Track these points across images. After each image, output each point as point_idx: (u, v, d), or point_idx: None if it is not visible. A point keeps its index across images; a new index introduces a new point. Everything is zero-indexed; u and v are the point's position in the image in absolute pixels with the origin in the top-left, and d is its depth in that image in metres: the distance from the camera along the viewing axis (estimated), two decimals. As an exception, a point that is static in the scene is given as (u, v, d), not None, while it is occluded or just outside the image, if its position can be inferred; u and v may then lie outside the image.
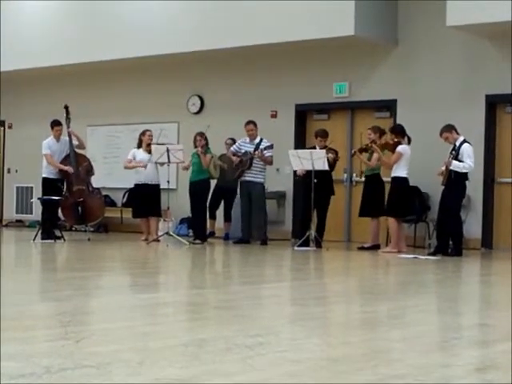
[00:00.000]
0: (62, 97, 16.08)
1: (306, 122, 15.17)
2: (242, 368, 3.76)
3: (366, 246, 12.80)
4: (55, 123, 13.67)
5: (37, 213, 16.19)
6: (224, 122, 15.29)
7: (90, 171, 14.08)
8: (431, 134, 12.38)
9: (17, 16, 17.27)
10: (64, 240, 13.04)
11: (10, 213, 18.89)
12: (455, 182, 11.39)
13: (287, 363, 3.91)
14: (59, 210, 13.85)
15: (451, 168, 11.32)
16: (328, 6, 13.31)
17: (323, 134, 13.12)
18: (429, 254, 11.52)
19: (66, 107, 14.03)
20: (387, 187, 12.45)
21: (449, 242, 11.61)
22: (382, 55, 14.15)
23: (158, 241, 13.33)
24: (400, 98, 13.92)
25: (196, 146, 13.55)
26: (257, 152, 13.21)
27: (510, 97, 12.85)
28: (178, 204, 15.04)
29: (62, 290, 6.97)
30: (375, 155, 12.42)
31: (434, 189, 12.56)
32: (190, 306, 6.44)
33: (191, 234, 14.37)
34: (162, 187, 13.63)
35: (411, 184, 12.44)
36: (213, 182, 14.00)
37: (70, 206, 13.76)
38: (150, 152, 13.50)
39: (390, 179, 12.30)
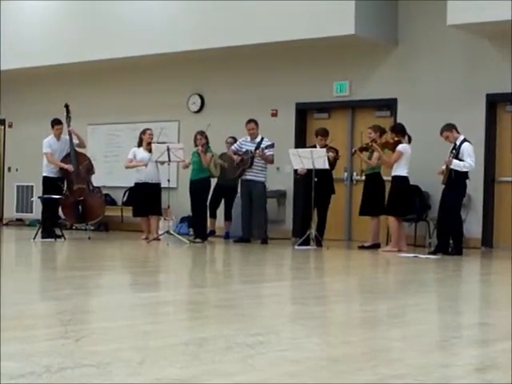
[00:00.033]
0: (63, 96, 16.08)
1: (307, 121, 15.17)
2: (242, 368, 3.75)
3: (366, 244, 12.80)
4: (56, 122, 13.67)
5: (37, 211, 16.20)
6: (224, 121, 15.29)
7: (90, 170, 14.08)
8: (431, 133, 12.38)
9: (17, 16, 17.27)
10: (64, 239, 13.04)
11: (11, 211, 18.90)
12: (455, 181, 11.39)
13: (287, 363, 3.91)
14: (59, 209, 13.85)
15: (451, 167, 11.32)
16: (328, 5, 13.31)
17: (324, 133, 13.12)
18: (429, 253, 11.53)
19: (67, 106, 14.03)
20: (387, 186, 12.45)
21: (449, 241, 11.62)
22: (382, 54, 14.16)
23: (159, 239, 13.33)
24: (400, 97, 13.93)
25: (196, 145, 13.55)
26: (258, 151, 13.21)
27: (510, 96, 12.86)
28: (179, 203, 15.05)
29: (62, 289, 6.97)
30: (376, 154, 12.42)
31: (435, 188, 12.56)
32: (191, 304, 6.43)
33: (192, 232, 14.37)
34: (162, 186, 13.63)
35: (412, 183, 12.44)
36: (213, 181, 14.01)
37: (70, 205, 13.76)
38: (150, 151, 13.50)
39: (390, 178, 12.30)
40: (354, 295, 7.44)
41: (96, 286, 7.73)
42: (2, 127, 19.31)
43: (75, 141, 13.78)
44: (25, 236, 14.31)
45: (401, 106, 13.89)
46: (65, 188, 13.77)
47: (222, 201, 14.65)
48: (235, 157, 13.41)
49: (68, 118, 13.89)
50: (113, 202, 16.92)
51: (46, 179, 13.58)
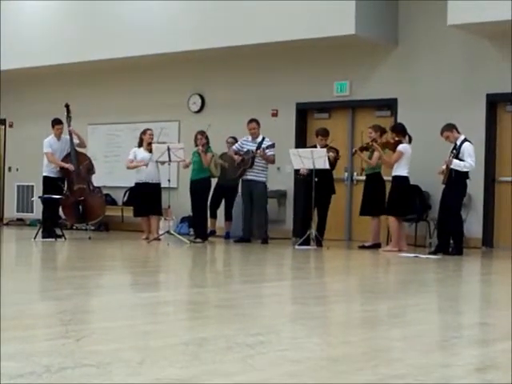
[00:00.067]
0: (63, 96, 16.08)
1: (307, 121, 15.17)
2: (242, 368, 3.75)
3: (366, 244, 12.81)
4: (56, 122, 13.67)
5: (37, 211, 16.20)
6: (225, 121, 15.29)
7: (90, 170, 14.08)
8: (432, 133, 12.38)
9: (17, 16, 17.27)
10: (65, 239, 13.04)
11: (11, 211, 18.91)
12: (456, 181, 11.39)
13: (287, 363, 3.91)
14: (60, 209, 13.85)
15: (452, 167, 11.33)
16: (328, 5, 13.32)
17: (324, 133, 13.13)
18: (429, 253, 11.53)
19: (67, 106, 14.03)
20: (388, 186, 12.45)
21: (449, 240, 11.61)
22: (382, 54, 14.16)
23: (159, 239, 13.34)
24: (401, 97, 13.93)
25: (197, 145, 13.55)
26: (259, 151, 13.21)
27: (510, 96, 12.86)
28: (179, 203, 15.05)
29: (63, 289, 6.97)
30: (376, 154, 12.42)
31: (435, 188, 12.56)
32: (191, 304, 6.43)
33: (192, 232, 14.37)
34: (162, 186, 13.63)
35: (412, 183, 12.44)
36: (213, 181, 14.01)
37: (70, 205, 13.76)
38: (150, 151, 13.50)
39: (390, 178, 12.30)
40: (355, 295, 7.44)
41: (96, 285, 7.73)
42: (3, 127, 19.32)
43: (75, 141, 13.78)
44: (25, 236, 14.31)
45: (401, 105, 13.89)
46: (65, 188, 13.77)
47: (223, 201, 14.65)
48: (236, 157, 13.41)
49: (68, 117, 13.90)
50: (113, 202, 16.92)
51: (46, 179, 13.58)
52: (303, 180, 13.06)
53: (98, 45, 16.06)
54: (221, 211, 14.64)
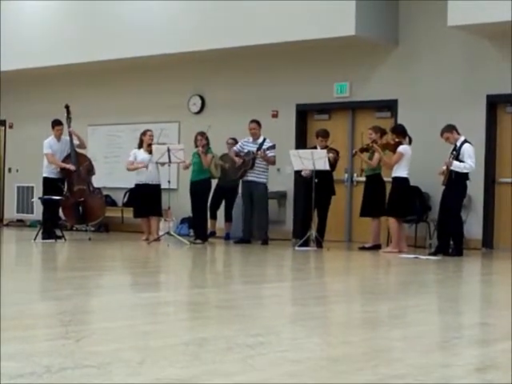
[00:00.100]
0: (63, 96, 16.08)
1: (307, 122, 15.16)
2: (242, 368, 3.76)
3: (366, 246, 12.80)
4: (56, 123, 13.67)
5: (38, 212, 16.20)
6: (225, 122, 15.29)
7: (90, 171, 14.08)
8: (432, 134, 12.38)
9: (17, 16, 17.27)
10: (65, 240, 13.04)
11: (11, 212, 18.90)
12: (456, 182, 11.39)
13: (287, 363, 3.91)
14: (60, 210, 13.85)
15: (452, 168, 11.32)
16: (328, 5, 13.31)
17: (324, 134, 13.12)
18: (429, 254, 11.52)
19: (67, 107, 14.03)
20: (388, 187, 12.45)
21: (449, 241, 11.61)
22: (382, 55, 14.15)
23: (159, 240, 13.33)
24: (401, 98, 13.92)
25: (197, 146, 13.55)
26: (259, 152, 13.21)
27: (510, 97, 12.85)
28: (179, 204, 15.04)
29: (63, 289, 6.98)
30: (377, 155, 12.42)
31: (435, 189, 12.56)
32: (191, 305, 6.44)
33: (192, 233, 14.36)
34: (162, 187, 13.62)
35: (412, 184, 12.44)
36: (214, 182, 14.01)
37: (70, 206, 13.76)
38: (150, 152, 13.50)
39: (390, 179, 12.30)
40: (355, 296, 7.44)
41: (96, 286, 7.73)
42: (3, 128, 19.31)
43: (75, 142, 13.78)
44: (25, 237, 14.30)
45: (401, 106, 13.88)
46: (65, 189, 13.77)
47: (223, 202, 14.64)
48: (237, 159, 13.40)
49: (68, 118, 13.90)
50: (113, 203, 16.91)
51: (46, 180, 13.58)
52: (303, 181, 13.06)
53: (97, 45, 16.06)
54: (221, 212, 14.64)
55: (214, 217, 14.52)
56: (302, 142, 14.84)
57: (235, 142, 14.21)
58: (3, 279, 7.39)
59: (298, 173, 13.34)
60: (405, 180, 12.14)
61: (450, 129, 11.60)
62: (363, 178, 13.21)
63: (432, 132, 12.41)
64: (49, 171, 13.56)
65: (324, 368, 3.84)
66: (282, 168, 14.57)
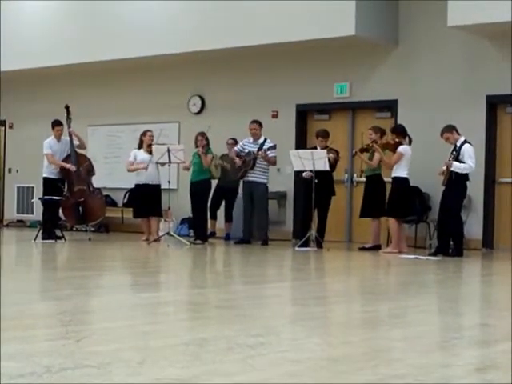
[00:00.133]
0: (63, 97, 16.08)
1: (307, 122, 15.16)
2: (242, 368, 3.75)
3: (366, 246, 12.80)
4: (56, 123, 13.67)
5: (38, 213, 16.19)
6: (225, 122, 15.29)
7: (90, 171, 14.08)
8: (432, 135, 12.38)
9: (17, 16, 17.27)
10: (65, 240, 13.04)
11: (11, 213, 18.90)
12: (456, 183, 11.39)
13: (287, 363, 3.91)
14: (60, 210, 13.85)
15: (452, 169, 11.32)
16: (328, 5, 13.31)
17: (324, 134, 13.12)
18: (429, 255, 11.52)
19: (67, 107, 14.03)
20: (388, 187, 12.44)
21: (449, 242, 11.61)
22: (382, 55, 14.15)
23: (159, 241, 13.33)
24: (401, 98, 13.92)
25: (197, 146, 13.55)
26: (260, 152, 13.21)
27: (510, 97, 12.85)
28: (179, 204, 15.04)
29: (63, 289, 6.98)
30: (377, 155, 12.42)
31: (435, 189, 12.56)
32: (191, 305, 6.44)
33: (192, 234, 14.36)
34: (162, 187, 13.62)
35: (412, 184, 12.44)
36: (214, 183, 14.01)
37: (70, 206, 13.76)
38: (150, 152, 13.50)
39: (390, 179, 12.30)
40: (355, 296, 7.44)
41: (96, 286, 7.73)
42: (3, 128, 19.31)
43: (75, 142, 13.78)
44: (25, 237, 14.30)
45: (401, 106, 13.88)
46: (65, 189, 13.77)
47: (223, 202, 14.64)
48: (237, 160, 13.39)
49: (68, 119, 13.90)
50: (113, 204, 16.91)
51: (46, 180, 13.58)
52: (303, 181, 13.06)
53: (98, 45, 16.06)
54: (221, 212, 14.64)
55: (214, 217, 14.53)
56: (302, 143, 14.84)
57: (235, 142, 14.21)
58: (3, 279, 7.39)
59: (298, 173, 13.33)
60: (405, 180, 12.14)
61: (450, 129, 11.60)
62: (363, 179, 13.21)
63: (432, 132, 12.41)
64: (49, 171, 13.56)
65: (324, 368, 3.84)
66: (282, 168, 14.57)
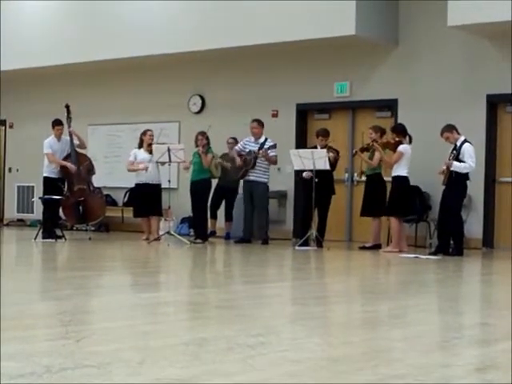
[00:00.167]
0: (63, 96, 16.07)
1: (307, 122, 15.17)
2: (242, 368, 3.75)
3: (367, 245, 12.80)
4: (56, 122, 13.67)
5: (38, 212, 16.20)
6: (225, 122, 15.30)
7: (90, 170, 14.08)
8: (432, 134, 12.37)
9: (17, 16, 17.27)
10: (65, 239, 13.04)
11: (11, 212, 18.90)
12: (456, 182, 11.39)
13: (288, 363, 3.91)
14: (60, 210, 13.85)
15: (452, 169, 11.32)
16: (329, 5, 13.31)
17: (324, 134, 13.12)
18: (430, 254, 11.53)
19: (67, 106, 14.03)
20: (389, 187, 12.44)
21: (450, 241, 11.61)
22: (382, 55, 14.15)
23: (159, 240, 13.33)
24: (401, 98, 13.93)
25: (197, 146, 13.54)
26: (261, 151, 13.21)
27: (510, 96, 12.85)
28: (179, 203, 15.05)
29: (63, 289, 6.97)
30: (377, 155, 12.42)
31: (435, 188, 12.56)
32: (191, 305, 6.43)
33: (192, 233, 14.37)
34: (162, 186, 13.63)
35: (412, 184, 12.44)
36: (214, 182, 14.01)
37: (70, 206, 13.76)
38: (151, 152, 13.50)
39: (390, 179, 12.30)
40: (355, 296, 7.44)
41: (96, 286, 7.73)
42: (3, 128, 19.32)
43: (76, 141, 13.78)
44: (26, 236, 14.31)
45: (401, 106, 13.88)
46: (65, 189, 13.77)
47: (223, 201, 14.64)
48: (238, 159, 13.39)
49: (68, 118, 13.90)
50: (113, 203, 16.92)
51: (46, 180, 13.58)
52: (303, 181, 13.06)
53: (97, 45, 16.06)
54: (221, 212, 14.64)
55: (214, 216, 14.53)
56: (302, 142, 14.84)
57: (235, 141, 14.22)
58: (3, 279, 7.39)
59: (298, 173, 13.33)
60: (405, 179, 12.14)
61: (450, 128, 11.60)
62: (363, 178, 13.21)
63: (432, 132, 12.41)
64: (49, 171, 13.56)
65: (324, 368, 3.84)
66: (282, 167, 14.57)
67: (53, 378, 3.44)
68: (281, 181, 14.82)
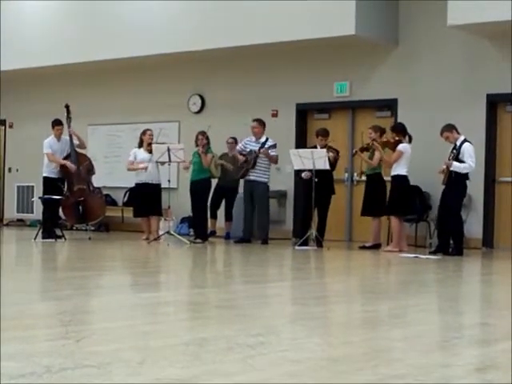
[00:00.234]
0: (63, 96, 16.07)
1: (307, 122, 15.17)
2: (242, 368, 3.75)
3: (367, 245, 12.80)
4: (56, 122, 13.67)
5: (38, 212, 16.20)
6: (225, 122, 15.30)
7: (90, 170, 14.08)
8: (432, 134, 12.38)
9: (17, 16, 17.27)
10: (65, 239, 13.04)
11: (11, 212, 18.90)
12: (456, 182, 11.39)
13: (288, 363, 3.91)
14: (60, 210, 13.85)
15: (452, 169, 11.32)
16: (328, 5, 13.31)
17: (324, 133, 13.12)
18: (430, 254, 11.53)
19: (67, 106, 14.03)
20: (388, 186, 12.44)
21: (450, 241, 11.61)
22: (382, 55, 14.15)
23: (159, 240, 13.33)
24: (401, 98, 13.93)
25: (197, 145, 13.55)
26: (263, 150, 13.21)
27: (510, 96, 12.85)
28: (179, 203, 15.05)
29: (63, 289, 6.97)
30: (377, 154, 12.42)
31: (435, 188, 12.56)
32: (191, 305, 6.43)
33: (192, 233, 14.37)
34: (162, 186, 13.63)
35: (412, 183, 12.44)
36: (214, 182, 14.01)
37: (70, 206, 13.76)
38: (150, 151, 13.50)
39: (390, 178, 12.30)
40: (355, 295, 7.44)
41: (96, 286, 7.73)
42: (3, 127, 19.32)
43: (75, 141, 13.78)
44: (25, 236, 14.31)
45: (401, 106, 13.88)
46: (65, 188, 13.77)
47: (223, 201, 14.64)
48: (240, 157, 13.40)
49: (68, 118, 13.90)
50: (113, 203, 16.92)
51: (46, 180, 13.58)
52: (303, 180, 13.06)
53: (97, 45, 16.06)
54: (221, 212, 14.64)
55: (214, 216, 14.53)
56: (302, 142, 14.85)
57: (235, 141, 14.22)
58: (3, 279, 7.39)
59: (298, 172, 13.33)
60: (404, 178, 12.14)
61: (450, 128, 11.61)
62: (363, 178, 13.21)
63: (432, 131, 12.41)
64: (49, 171, 13.56)
65: (324, 368, 3.84)
66: (282, 167, 14.57)
67: (53, 378, 3.44)
68: (281, 181, 14.82)
